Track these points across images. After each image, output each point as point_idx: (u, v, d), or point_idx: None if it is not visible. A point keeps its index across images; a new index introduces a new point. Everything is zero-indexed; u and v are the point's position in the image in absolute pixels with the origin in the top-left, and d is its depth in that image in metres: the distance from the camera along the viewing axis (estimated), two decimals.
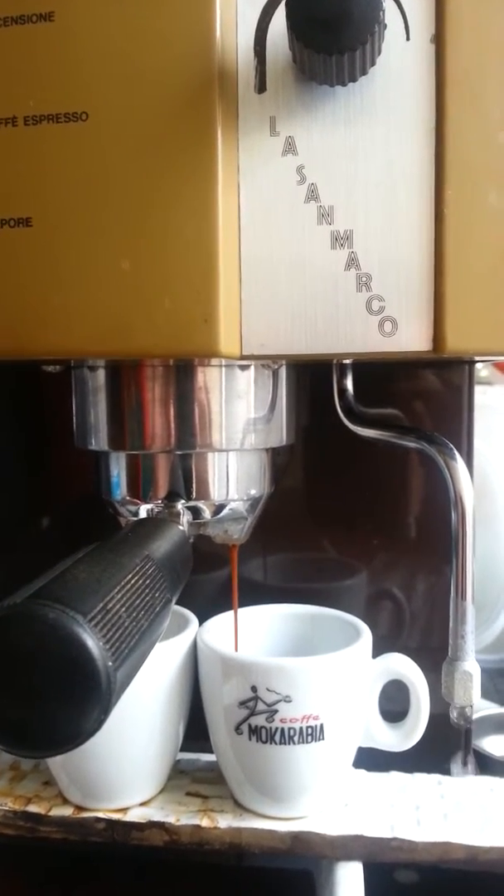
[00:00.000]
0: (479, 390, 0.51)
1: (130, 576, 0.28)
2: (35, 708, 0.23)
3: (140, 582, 0.29)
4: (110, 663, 0.24)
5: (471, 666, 0.38)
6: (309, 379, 0.48)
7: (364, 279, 0.32)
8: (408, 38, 0.32)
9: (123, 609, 0.26)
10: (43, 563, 0.29)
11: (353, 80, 0.31)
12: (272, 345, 0.33)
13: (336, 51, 0.29)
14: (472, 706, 0.39)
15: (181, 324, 0.32)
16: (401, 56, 0.32)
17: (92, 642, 0.23)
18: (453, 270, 0.32)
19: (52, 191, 0.32)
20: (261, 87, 0.32)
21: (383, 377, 0.48)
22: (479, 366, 0.60)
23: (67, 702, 0.23)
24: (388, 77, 0.32)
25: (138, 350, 0.33)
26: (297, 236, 0.33)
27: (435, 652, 0.49)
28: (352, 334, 0.33)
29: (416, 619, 0.51)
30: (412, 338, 0.32)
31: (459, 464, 0.39)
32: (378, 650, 0.45)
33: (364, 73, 0.30)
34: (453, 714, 0.39)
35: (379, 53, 0.30)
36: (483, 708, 0.59)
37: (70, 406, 0.44)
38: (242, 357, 0.33)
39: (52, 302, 0.32)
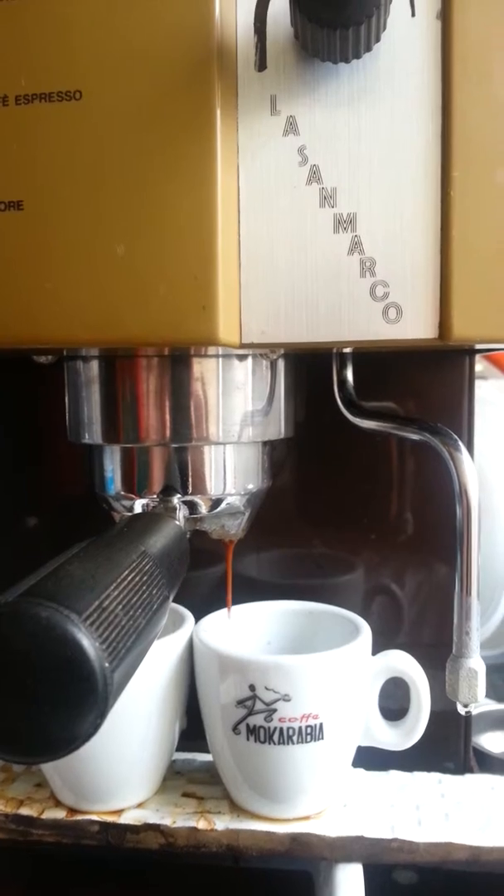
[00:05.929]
0: None
1: (127, 572, 0.27)
2: (27, 712, 0.22)
3: (136, 579, 0.28)
4: (107, 664, 0.23)
5: (476, 663, 0.37)
6: (305, 371, 0.46)
7: (368, 264, 0.31)
8: (413, 14, 0.31)
9: (120, 607, 0.25)
10: (31, 561, 0.27)
11: (357, 56, 0.30)
12: (272, 332, 0.32)
13: (340, 25, 0.27)
14: (476, 704, 0.38)
15: (178, 311, 0.31)
16: (406, 33, 0.31)
17: (87, 642, 0.22)
18: (460, 254, 0.31)
19: (45, 173, 0.31)
20: (261, 64, 0.31)
21: (380, 369, 0.47)
22: None
23: (62, 705, 0.22)
24: (393, 54, 0.31)
25: (133, 338, 0.31)
26: (298, 219, 0.31)
27: (429, 648, 0.48)
28: (355, 321, 0.32)
29: (412, 615, 0.50)
30: (417, 325, 0.31)
31: (464, 455, 0.38)
32: (373, 647, 0.44)
33: (368, 49, 0.29)
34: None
35: (384, 29, 0.29)
36: (481, 704, 0.58)
37: (59, 402, 0.43)
38: (242, 345, 0.32)
39: (44, 288, 0.31)
